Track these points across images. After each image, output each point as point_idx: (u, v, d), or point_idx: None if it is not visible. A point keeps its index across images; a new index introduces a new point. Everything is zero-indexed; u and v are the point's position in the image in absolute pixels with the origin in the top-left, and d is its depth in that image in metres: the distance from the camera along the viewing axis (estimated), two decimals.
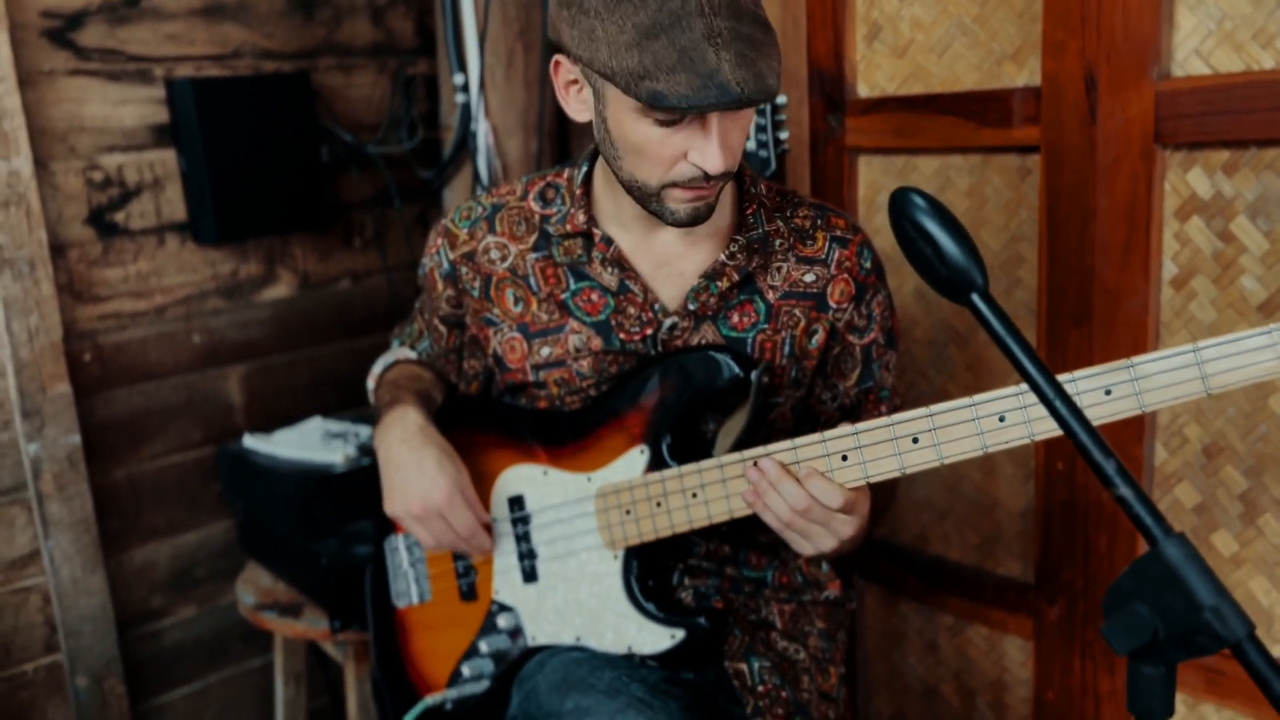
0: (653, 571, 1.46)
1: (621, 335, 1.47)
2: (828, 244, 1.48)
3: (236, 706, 2.56)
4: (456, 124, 2.55)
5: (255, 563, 2.30)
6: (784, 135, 2.02)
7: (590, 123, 1.35)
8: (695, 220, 1.34)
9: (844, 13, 1.98)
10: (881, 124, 1.96)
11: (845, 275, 1.48)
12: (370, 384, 1.67)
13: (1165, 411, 1.70)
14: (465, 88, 2.52)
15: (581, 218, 1.46)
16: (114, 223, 2.27)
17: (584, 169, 1.48)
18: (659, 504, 1.40)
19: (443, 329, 1.62)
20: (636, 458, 1.43)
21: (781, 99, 2.03)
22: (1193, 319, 1.64)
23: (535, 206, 1.51)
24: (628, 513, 1.42)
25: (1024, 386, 1.17)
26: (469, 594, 1.54)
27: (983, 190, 1.88)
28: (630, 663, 1.39)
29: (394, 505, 1.43)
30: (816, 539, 1.29)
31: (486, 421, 1.57)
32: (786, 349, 1.47)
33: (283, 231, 2.50)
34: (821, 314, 1.48)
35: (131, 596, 2.38)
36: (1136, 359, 1.15)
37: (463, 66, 2.53)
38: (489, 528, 1.51)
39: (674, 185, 1.29)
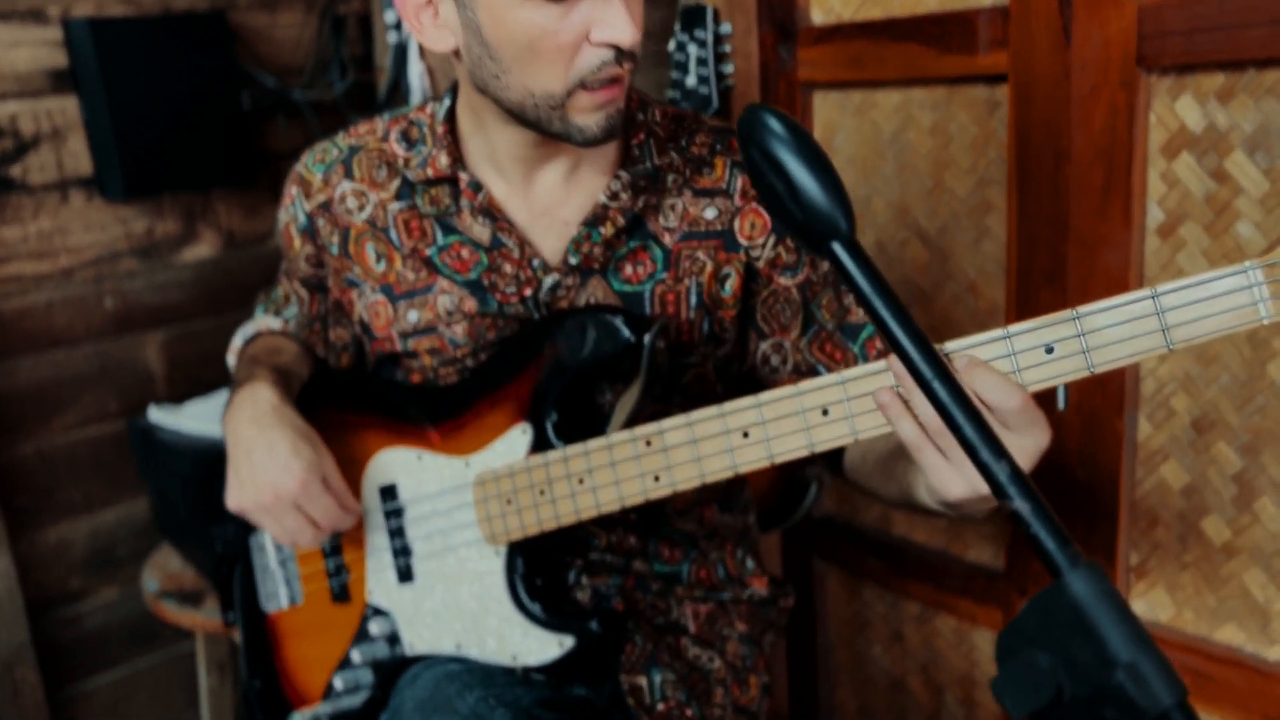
0: (542, 569, 1.27)
1: (498, 297, 1.27)
2: (728, 170, 1.27)
3: (167, 694, 2.42)
4: (390, 66, 2.34)
5: (170, 545, 2.14)
6: (728, 69, 1.80)
7: (455, 52, 1.15)
8: (610, 133, 1.15)
9: None
10: (836, 54, 1.73)
11: (754, 205, 1.26)
12: (230, 360, 1.48)
13: (1150, 379, 1.48)
14: (398, 26, 2.31)
15: (444, 160, 1.26)
16: (9, 177, 2.09)
17: (446, 103, 1.28)
18: (542, 492, 1.21)
19: (304, 293, 1.43)
20: (518, 438, 1.24)
21: (726, 27, 1.80)
22: (1181, 272, 1.42)
23: (397, 148, 1.31)
24: (509, 502, 1.23)
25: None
26: (341, 595, 1.36)
27: (947, 128, 1.65)
28: (510, 677, 1.21)
29: (241, 496, 1.24)
30: (969, 464, 0.86)
31: (355, 398, 1.38)
32: (693, 299, 1.27)
33: (202, 186, 2.30)
34: (732, 254, 1.27)
35: (46, 578, 2.23)
36: (1084, 308, 0.93)
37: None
38: (361, 519, 1.33)
39: (582, 88, 1.10)
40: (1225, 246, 1.38)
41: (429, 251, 1.29)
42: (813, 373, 1.29)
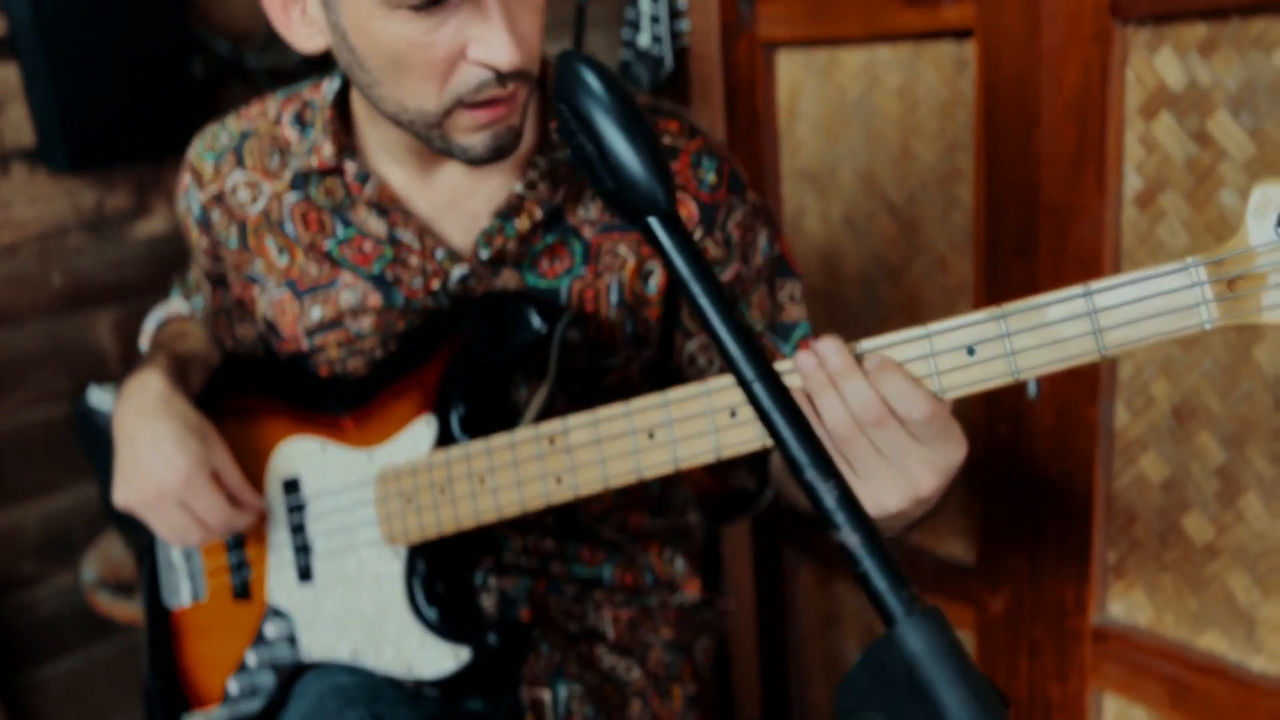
0: (446, 572, 1.17)
1: (404, 291, 1.17)
2: None
3: (125, 682, 2.35)
4: None
5: (117, 532, 2.07)
6: (684, 27, 1.68)
7: (329, 52, 1.04)
8: (499, 153, 1.01)
9: None
10: (796, 8, 1.60)
11: (680, 194, 1.14)
12: (143, 345, 1.38)
13: (1128, 363, 1.36)
14: None
15: (329, 150, 1.15)
16: None
17: (336, 84, 1.16)
18: (443, 491, 1.10)
19: (206, 288, 1.33)
20: (422, 432, 1.14)
21: None
22: (1161, 245, 1.29)
23: (289, 133, 1.20)
24: (409, 501, 1.13)
25: (866, 344, 0.84)
26: (242, 593, 1.27)
27: (914, 89, 1.52)
28: (400, 693, 1.11)
29: (126, 492, 1.15)
30: (879, 477, 0.82)
31: (261, 384, 1.28)
32: (614, 297, 1.16)
33: (154, 157, 2.20)
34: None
35: None
36: (1011, 305, 0.81)
37: None
38: (264, 514, 1.24)
39: (459, 106, 0.97)
40: (1208, 217, 1.24)
41: (328, 245, 1.18)
42: None
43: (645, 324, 1.18)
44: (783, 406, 0.52)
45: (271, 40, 2.34)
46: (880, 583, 0.50)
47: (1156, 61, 1.24)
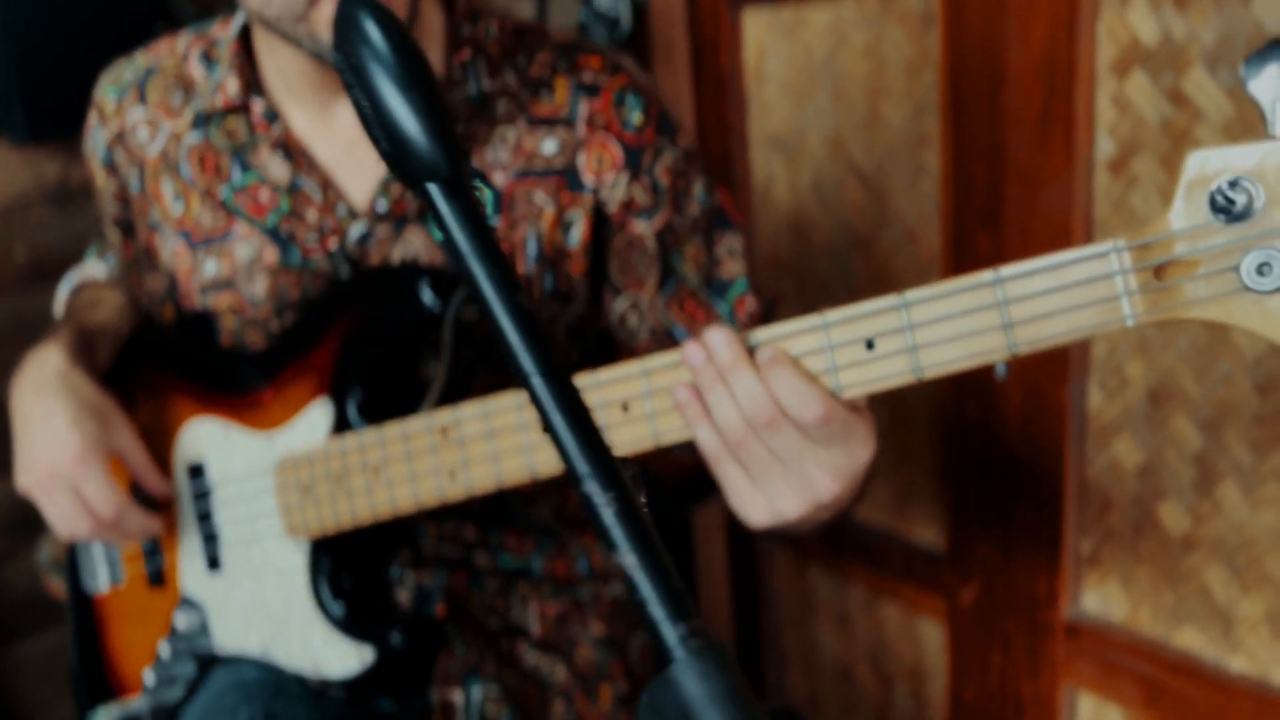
0: (354, 566, 1.10)
1: (300, 247, 1.09)
2: (571, 95, 1.07)
3: None
4: None
5: None
6: None
7: None
8: None
9: None
10: None
11: (602, 135, 1.06)
12: (58, 313, 1.33)
13: (1102, 342, 1.26)
14: None
15: (234, 86, 1.08)
16: None
17: (242, 16, 1.09)
18: (339, 483, 1.04)
19: (115, 236, 1.26)
20: (318, 417, 1.07)
21: None
22: (1135, 214, 1.19)
23: (195, 70, 1.14)
24: (307, 492, 1.06)
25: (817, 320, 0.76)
26: (156, 580, 1.22)
27: (880, 48, 1.42)
28: (303, 690, 1.05)
29: (20, 474, 1.10)
30: (775, 481, 0.76)
31: (166, 358, 1.22)
32: (532, 250, 1.08)
33: None
34: (577, 194, 1.07)
35: None
36: (914, 292, 0.73)
37: None
38: (173, 501, 1.18)
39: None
40: None
41: (222, 192, 1.11)
42: (669, 337, 1.10)
43: (568, 279, 1.10)
44: (565, 405, 0.45)
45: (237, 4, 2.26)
46: (658, 612, 0.42)
47: (1129, 14, 1.14)
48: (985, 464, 1.39)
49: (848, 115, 1.49)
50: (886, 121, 1.44)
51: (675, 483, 1.61)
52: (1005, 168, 1.25)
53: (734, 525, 1.85)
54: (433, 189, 0.48)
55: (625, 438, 0.85)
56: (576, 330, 1.13)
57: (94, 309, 1.24)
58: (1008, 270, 0.68)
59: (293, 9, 0.91)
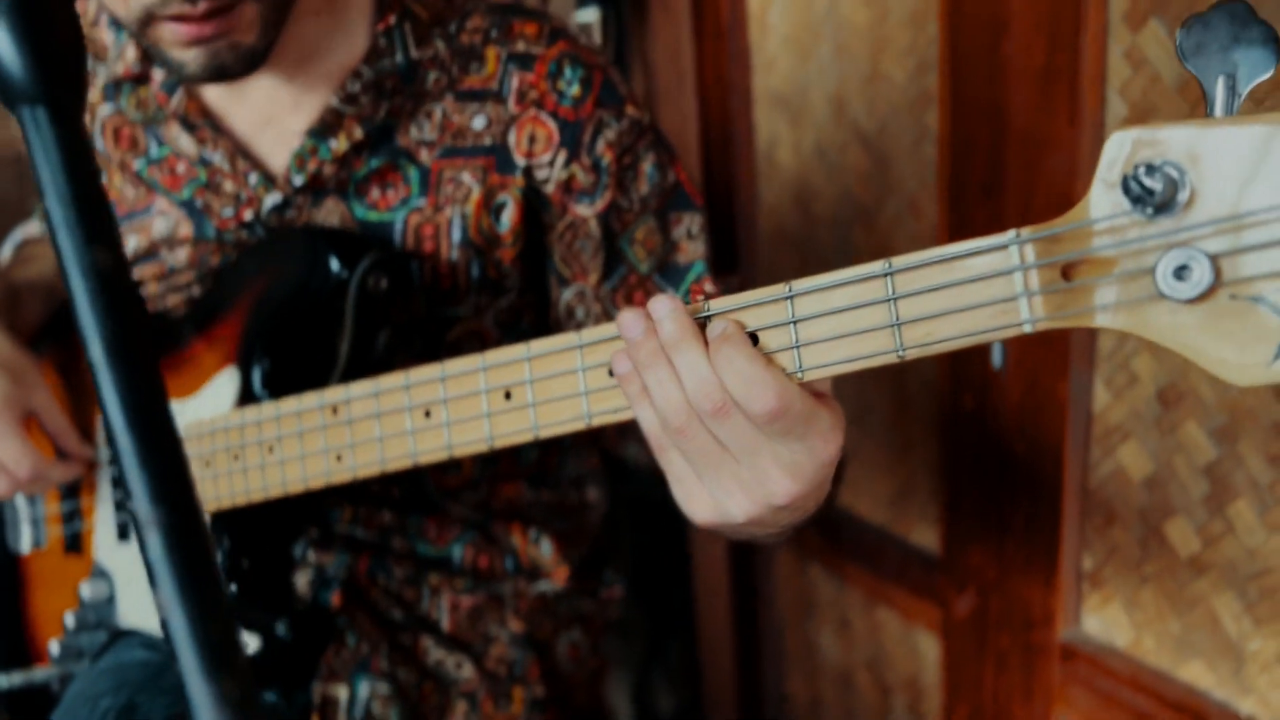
0: (256, 545, 1.03)
1: (214, 220, 1.03)
2: (502, 66, 0.97)
3: None
4: None
5: None
6: None
7: None
8: (219, 74, 0.87)
9: None
10: None
11: (533, 110, 0.96)
12: None
13: (1108, 332, 1.11)
14: None
15: (132, 54, 1.01)
16: None
17: None
18: (236, 458, 0.97)
19: None
20: (225, 386, 1.00)
21: None
22: None
23: (106, 35, 1.07)
24: (207, 465, 1.00)
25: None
26: (73, 546, 1.17)
27: None
28: (174, 681, 0.99)
29: None
30: (723, 478, 0.65)
31: None
32: (457, 234, 0.99)
33: None
34: (507, 175, 0.98)
35: None
36: (801, 282, 0.62)
37: None
38: (94, 463, 1.13)
39: (153, 18, 0.82)
40: None
41: (137, 165, 1.06)
42: None
43: (497, 267, 1.01)
44: (128, 392, 0.35)
45: None
46: (189, 663, 0.33)
47: None
48: (981, 462, 1.25)
49: (850, 72, 1.35)
50: (888, 78, 1.29)
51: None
52: (1006, 130, 1.11)
53: None
54: (24, 114, 0.39)
55: (508, 427, 0.76)
56: (509, 323, 1.04)
57: (27, 264, 1.20)
58: (900, 261, 0.58)
59: (130, 27, 0.84)
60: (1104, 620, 1.19)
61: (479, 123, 0.97)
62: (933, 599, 1.39)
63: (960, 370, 1.25)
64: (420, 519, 1.09)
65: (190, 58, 0.84)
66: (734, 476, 0.65)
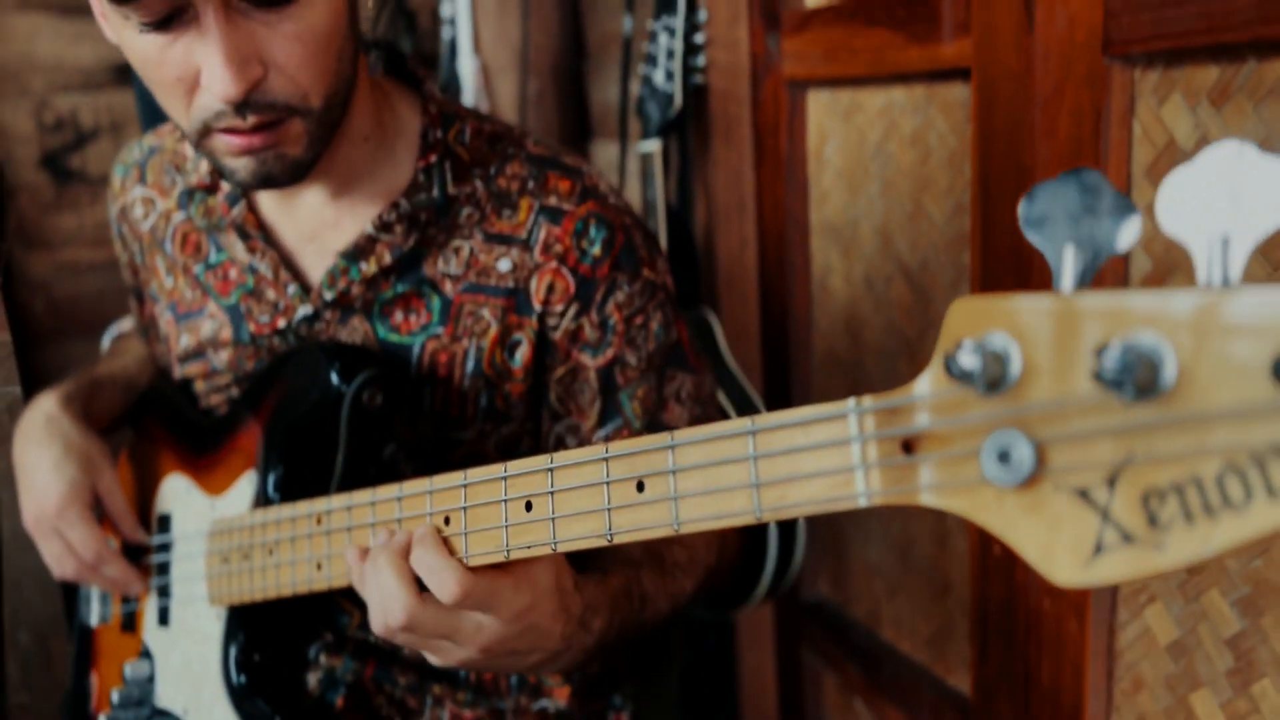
0: (269, 640, 1.08)
1: (251, 325, 1.11)
2: (533, 217, 1.03)
3: None
4: (444, 61, 2.23)
5: None
6: (700, 61, 1.52)
7: None
8: (266, 182, 0.94)
9: None
10: (817, 45, 1.41)
11: (555, 263, 1.02)
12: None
13: None
14: (452, 21, 2.19)
15: (205, 167, 1.11)
16: (69, 168, 2.16)
17: None
18: (246, 557, 1.03)
19: (133, 301, 1.33)
20: (246, 488, 1.07)
21: (702, 14, 1.53)
22: None
23: (187, 149, 1.17)
24: (225, 561, 1.06)
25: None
26: (128, 625, 1.25)
27: (926, 137, 1.29)
28: None
29: (24, 516, 1.16)
30: (443, 650, 0.81)
31: (165, 413, 1.26)
32: (470, 365, 1.04)
33: None
34: (524, 317, 1.03)
35: None
36: (684, 433, 0.63)
37: None
38: (149, 549, 1.21)
39: (209, 129, 0.91)
40: None
41: (196, 269, 1.15)
42: None
43: (505, 398, 1.06)
44: None
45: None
46: None
47: (1165, 112, 0.97)
48: (1010, 613, 1.21)
49: (895, 208, 1.36)
50: (930, 217, 1.30)
51: (709, 587, 1.51)
52: (1031, 278, 1.10)
53: (781, 636, 1.72)
54: None
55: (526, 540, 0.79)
56: (508, 448, 1.09)
57: (112, 357, 1.31)
58: (763, 420, 0.58)
59: (190, 138, 0.92)
60: None
61: (504, 265, 1.03)
62: None
63: None
64: None
65: (241, 165, 0.92)
66: (436, 649, 0.80)
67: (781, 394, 1.62)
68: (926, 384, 0.51)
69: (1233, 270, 0.42)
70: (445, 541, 0.77)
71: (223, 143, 0.91)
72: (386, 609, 0.76)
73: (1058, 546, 0.45)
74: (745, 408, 1.52)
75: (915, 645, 1.47)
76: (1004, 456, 0.47)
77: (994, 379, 0.48)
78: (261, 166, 0.93)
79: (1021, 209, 0.49)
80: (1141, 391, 0.41)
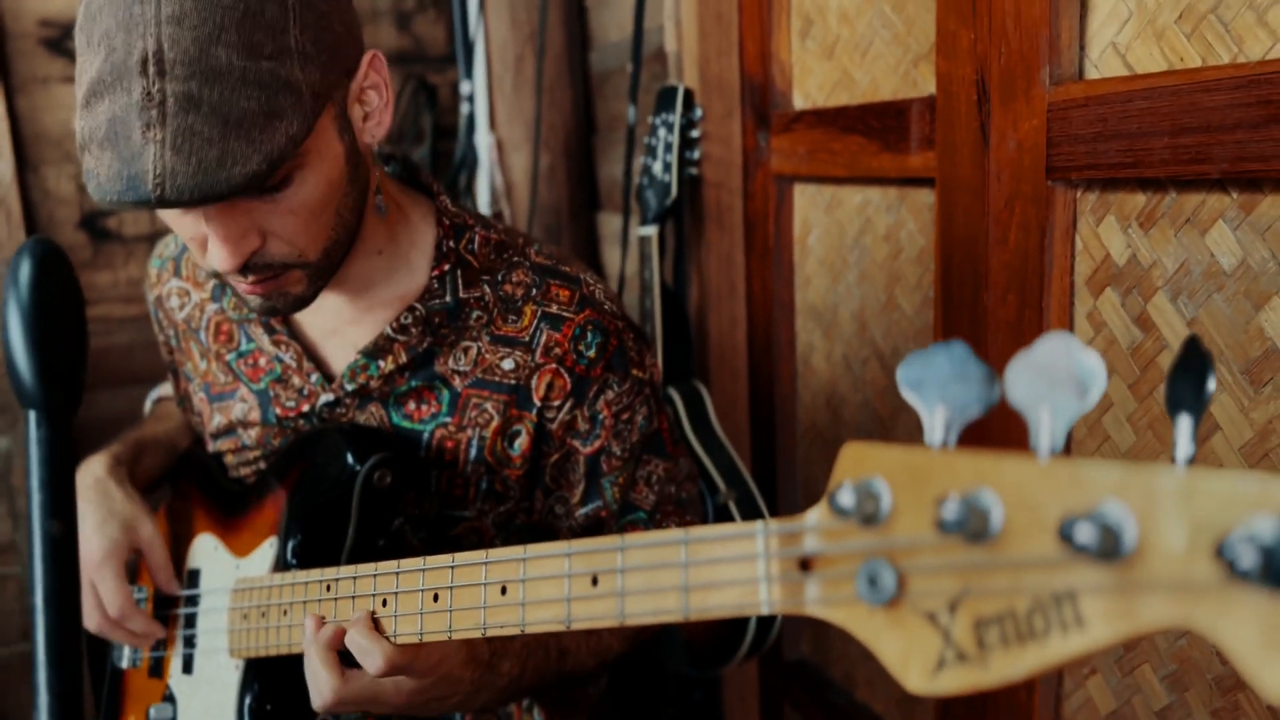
0: (280, 695, 1.19)
1: (278, 409, 1.22)
2: (535, 322, 1.14)
3: None
4: (461, 135, 2.36)
5: None
6: (695, 155, 1.64)
7: None
8: (273, 311, 1.06)
9: (776, 2, 1.57)
10: (800, 145, 1.53)
11: (554, 365, 1.13)
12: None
13: None
14: (470, 97, 2.32)
15: None
16: (105, 228, 2.30)
17: None
18: (263, 616, 1.13)
19: (170, 376, 1.44)
20: (267, 552, 1.17)
21: (698, 111, 1.65)
22: (1108, 441, 1.11)
23: None
24: (245, 618, 1.16)
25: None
26: (155, 670, 1.35)
27: (898, 235, 1.40)
28: None
29: None
30: (373, 707, 0.97)
31: (200, 477, 1.37)
32: (473, 452, 1.15)
33: None
34: (524, 411, 1.14)
35: None
36: (635, 536, 0.73)
37: (471, 73, 2.33)
38: (179, 600, 1.32)
39: (220, 273, 1.03)
40: (1152, 414, 1.06)
41: (229, 357, 1.26)
42: None
43: (504, 482, 1.17)
44: (57, 636, 0.50)
45: (393, 142, 2.50)
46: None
47: (1102, 229, 1.08)
48: None
49: (870, 297, 1.47)
50: (901, 309, 1.41)
51: (698, 644, 1.60)
52: None
53: (765, 694, 1.81)
54: (32, 415, 0.56)
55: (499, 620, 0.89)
56: (505, 524, 1.20)
57: (156, 421, 1.42)
58: (697, 533, 0.68)
59: (209, 269, 1.03)
60: None
61: (508, 364, 1.14)
62: None
63: None
64: None
65: (253, 300, 1.04)
66: (367, 708, 0.96)
67: (767, 462, 1.72)
68: (816, 514, 0.61)
69: (1057, 440, 0.51)
70: (377, 623, 0.93)
71: (233, 280, 1.03)
72: (318, 690, 0.94)
73: (911, 659, 0.54)
74: (732, 475, 1.62)
75: (887, 706, 1.56)
76: (873, 580, 0.56)
77: (869, 515, 0.57)
78: (267, 301, 1.04)
79: (900, 372, 0.59)
80: (973, 537, 0.51)
